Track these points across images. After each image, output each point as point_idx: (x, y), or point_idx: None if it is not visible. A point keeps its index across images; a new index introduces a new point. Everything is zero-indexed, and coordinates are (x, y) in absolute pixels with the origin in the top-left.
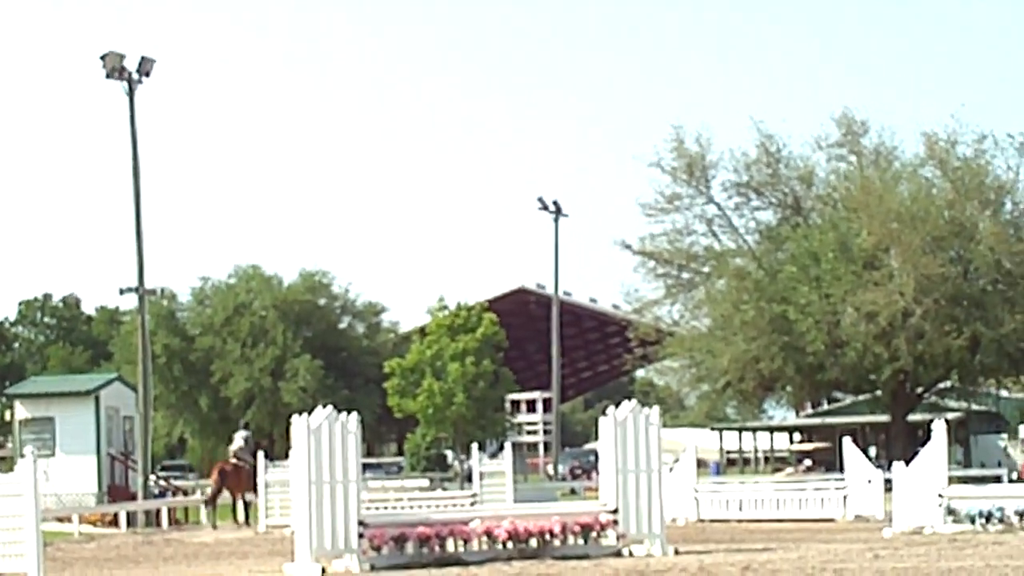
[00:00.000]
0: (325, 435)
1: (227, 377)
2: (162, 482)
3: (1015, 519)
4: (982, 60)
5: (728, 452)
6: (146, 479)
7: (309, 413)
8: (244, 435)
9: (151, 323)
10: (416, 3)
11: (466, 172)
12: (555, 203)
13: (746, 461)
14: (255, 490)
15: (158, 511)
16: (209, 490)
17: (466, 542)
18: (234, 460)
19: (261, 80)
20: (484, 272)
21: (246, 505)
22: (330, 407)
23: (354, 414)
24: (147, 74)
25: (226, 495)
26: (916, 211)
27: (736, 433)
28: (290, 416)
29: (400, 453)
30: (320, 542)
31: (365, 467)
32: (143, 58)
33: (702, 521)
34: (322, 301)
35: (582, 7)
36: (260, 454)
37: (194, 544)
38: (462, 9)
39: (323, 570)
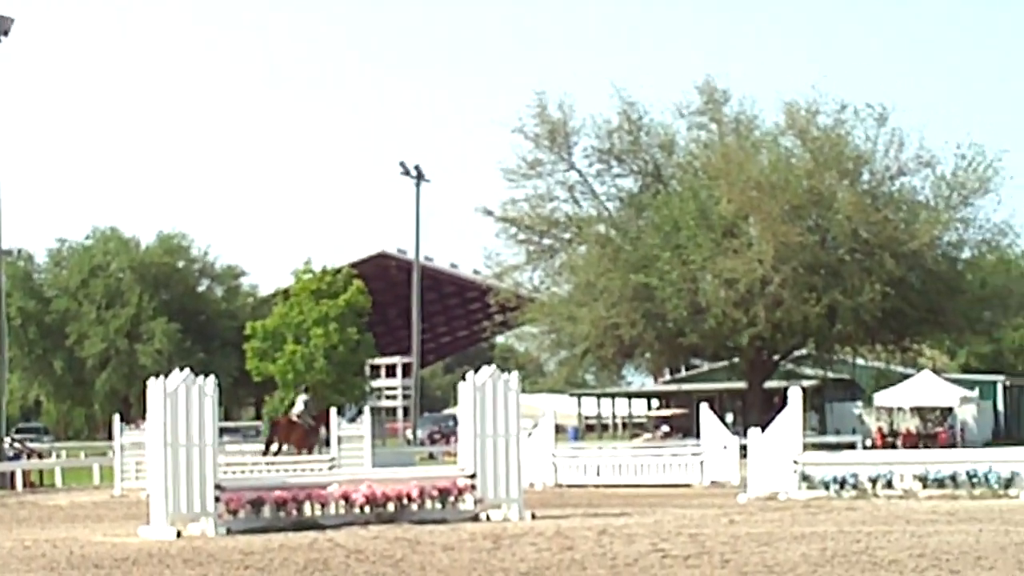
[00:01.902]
0: (182, 398)
1: (82, 339)
2: (17, 444)
3: (868, 485)
4: (843, 31)
5: (587, 418)
6: (0, 441)
7: (166, 376)
8: (304, 399)
9: (6, 284)
10: None
11: (328, 135)
12: (417, 168)
13: (604, 427)
14: (310, 448)
15: (12, 474)
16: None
17: (323, 506)
18: (294, 418)
19: (120, 39)
20: (345, 236)
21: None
22: (187, 370)
23: (211, 377)
24: (5, 33)
25: None
26: (775, 180)
27: (595, 399)
28: (146, 378)
29: (258, 417)
30: (176, 505)
31: (222, 431)
32: (1, 16)
33: (560, 486)
34: (180, 264)
35: None
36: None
37: (48, 507)
38: None
39: (179, 533)
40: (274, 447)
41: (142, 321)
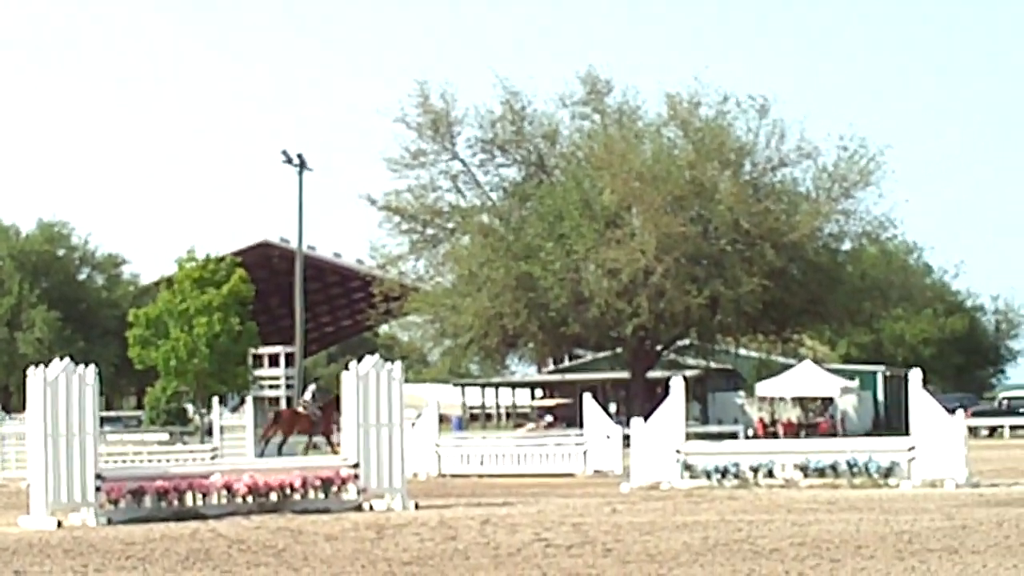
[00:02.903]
0: (62, 387)
1: None
2: None
3: (750, 475)
4: (726, 21)
5: (471, 407)
6: None
7: (46, 365)
8: (312, 388)
9: None
10: None
11: (210, 123)
12: (299, 156)
13: (488, 416)
14: (316, 436)
15: None
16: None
17: (205, 496)
18: (300, 408)
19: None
20: (228, 225)
21: (315, 445)
22: (67, 359)
23: (92, 366)
24: None
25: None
26: (658, 171)
27: (479, 389)
28: (26, 367)
29: (140, 407)
30: (56, 495)
31: (103, 420)
32: None
33: (444, 476)
34: (61, 252)
35: None
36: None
37: None
38: None
39: (59, 523)
40: (277, 439)
41: (22, 310)
